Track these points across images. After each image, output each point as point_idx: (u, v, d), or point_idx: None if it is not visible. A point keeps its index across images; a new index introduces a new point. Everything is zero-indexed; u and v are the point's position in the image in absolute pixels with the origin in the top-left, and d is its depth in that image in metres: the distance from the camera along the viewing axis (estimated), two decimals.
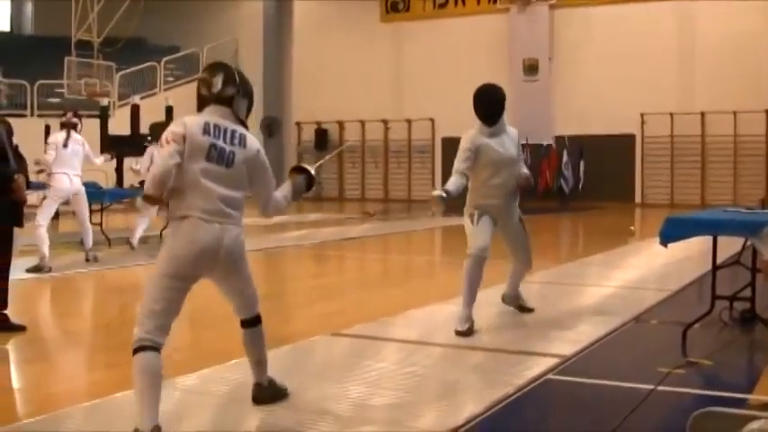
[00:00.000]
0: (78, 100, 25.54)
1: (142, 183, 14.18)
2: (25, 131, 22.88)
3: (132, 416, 3.66)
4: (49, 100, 26.99)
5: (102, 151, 14.11)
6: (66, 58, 26.04)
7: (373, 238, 15.52)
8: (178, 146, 3.80)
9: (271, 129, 29.10)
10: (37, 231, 9.87)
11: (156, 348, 3.73)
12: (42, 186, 10.61)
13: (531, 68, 27.36)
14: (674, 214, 6.48)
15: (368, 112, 29.89)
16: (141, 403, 3.63)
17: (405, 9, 30.41)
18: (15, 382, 5.28)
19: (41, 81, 26.67)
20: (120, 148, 18.50)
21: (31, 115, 26.13)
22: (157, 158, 3.83)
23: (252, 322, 4.23)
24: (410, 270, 11.47)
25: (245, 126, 4.09)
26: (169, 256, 3.84)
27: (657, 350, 5.93)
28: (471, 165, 6.40)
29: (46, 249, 9.79)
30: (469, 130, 6.52)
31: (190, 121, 3.91)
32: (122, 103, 26.60)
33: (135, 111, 23.03)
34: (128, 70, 27.92)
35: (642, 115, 26.30)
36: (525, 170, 6.70)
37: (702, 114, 25.60)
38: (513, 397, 4.58)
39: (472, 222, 6.45)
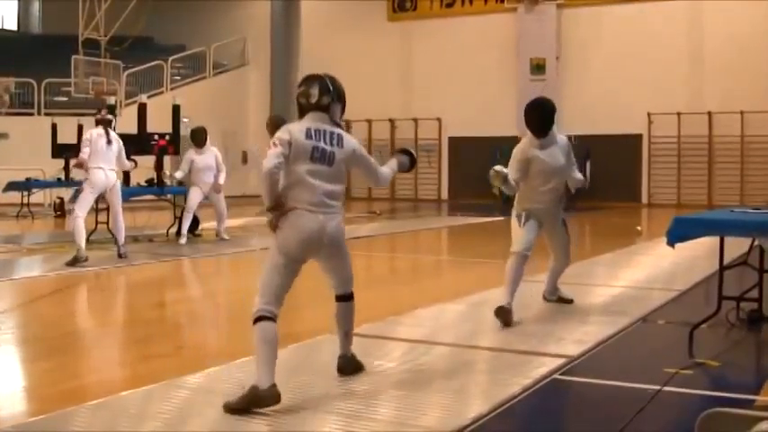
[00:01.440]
0: (85, 98, 25.61)
1: (150, 181, 14.22)
2: (32, 130, 23.16)
3: (139, 414, 3.68)
4: (56, 98, 27.03)
5: None
6: (73, 57, 26.05)
7: (380, 238, 15.51)
8: (283, 149, 4.38)
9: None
10: (75, 222, 10.26)
11: (272, 319, 4.35)
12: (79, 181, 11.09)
13: (539, 68, 27.31)
14: (682, 215, 6.45)
15: (375, 111, 29.86)
16: (261, 366, 4.21)
17: (412, 8, 30.39)
18: (22, 380, 5.28)
19: (48, 80, 26.68)
20: (127, 146, 18.45)
21: (38, 114, 26.16)
22: (264, 161, 4.35)
23: (346, 297, 4.89)
24: (417, 269, 11.45)
25: (341, 127, 4.65)
26: (281, 241, 4.45)
27: (664, 350, 5.92)
28: (523, 175, 6.75)
29: (82, 241, 10.20)
30: (522, 141, 6.88)
31: (294, 128, 4.52)
32: (129, 101, 26.58)
33: (142, 110, 23.02)
34: (135, 69, 27.90)
35: (649, 115, 26.26)
36: (579, 175, 7.10)
37: (710, 114, 25.54)
38: (520, 397, 4.57)
39: (519, 223, 6.86)
